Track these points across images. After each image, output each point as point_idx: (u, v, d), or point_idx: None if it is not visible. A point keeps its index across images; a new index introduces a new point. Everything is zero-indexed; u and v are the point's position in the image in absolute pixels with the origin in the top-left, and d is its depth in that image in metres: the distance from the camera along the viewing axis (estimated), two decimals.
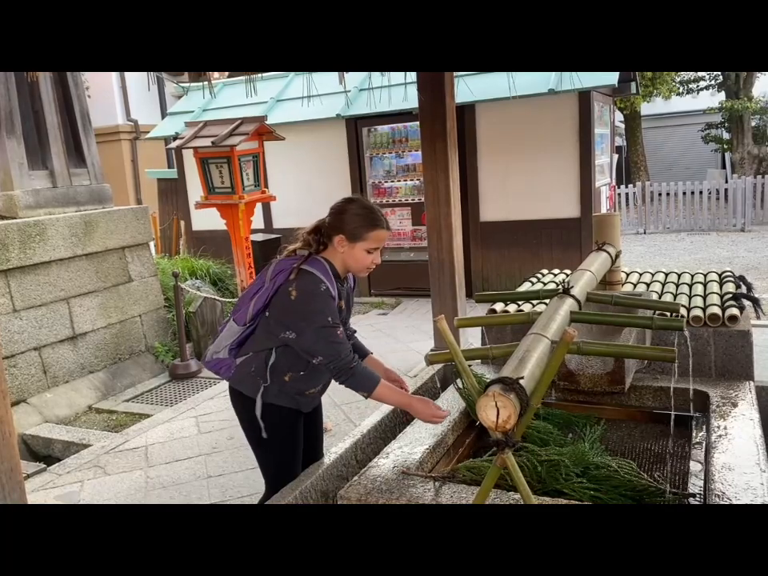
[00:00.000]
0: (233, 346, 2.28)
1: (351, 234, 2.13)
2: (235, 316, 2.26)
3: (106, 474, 3.68)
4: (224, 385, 5.02)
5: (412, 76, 4.47)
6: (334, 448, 2.38)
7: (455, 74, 5.12)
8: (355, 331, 2.49)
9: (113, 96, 12.28)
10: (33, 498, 3.35)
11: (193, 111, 8.43)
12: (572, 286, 2.04)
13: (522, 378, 1.38)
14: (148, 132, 9.61)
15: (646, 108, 17.71)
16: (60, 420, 4.67)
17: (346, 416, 4.11)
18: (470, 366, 2.21)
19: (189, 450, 3.92)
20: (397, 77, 5.39)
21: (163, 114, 11.60)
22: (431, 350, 4.31)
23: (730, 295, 2.83)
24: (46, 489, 3.56)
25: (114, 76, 12.19)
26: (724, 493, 1.71)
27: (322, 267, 2.14)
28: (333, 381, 2.24)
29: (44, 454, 4.32)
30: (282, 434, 2.28)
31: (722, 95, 16.69)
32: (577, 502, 1.75)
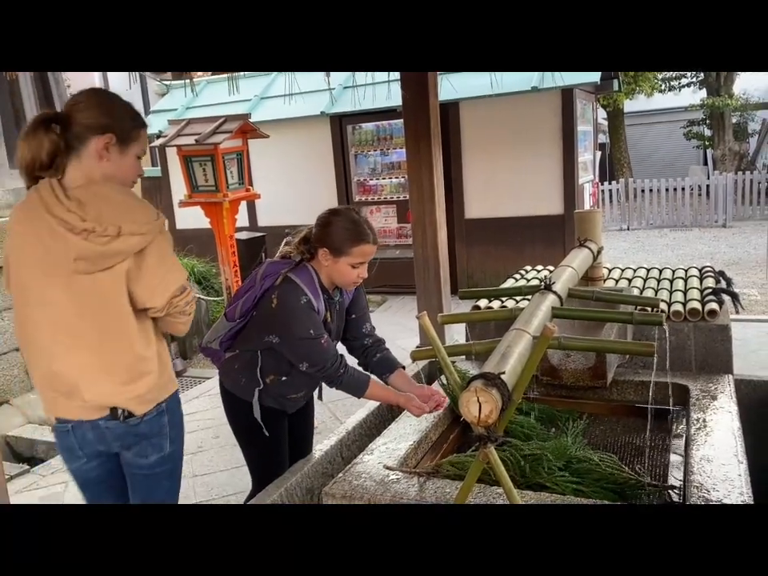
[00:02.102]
0: (224, 339, 2.28)
1: (335, 248, 2.08)
2: (227, 310, 2.27)
3: None
4: (208, 384, 5.02)
5: (396, 74, 4.48)
6: (319, 445, 2.39)
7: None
8: (383, 341, 2.44)
9: None
10: (16, 500, 3.32)
11: (176, 109, 8.39)
12: (553, 282, 2.06)
13: (504, 373, 1.40)
14: None
15: (628, 105, 17.84)
16: (43, 421, 4.61)
17: (332, 413, 4.12)
18: (454, 362, 2.22)
19: None
20: (381, 74, 5.40)
21: (146, 112, 11.49)
22: (416, 347, 4.32)
23: (710, 290, 2.87)
24: (30, 490, 3.54)
25: (96, 74, 12.04)
26: (702, 484, 1.74)
27: (308, 277, 2.11)
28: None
29: (27, 455, 4.28)
30: (269, 433, 2.29)
31: (704, 92, 16.88)
32: (559, 495, 1.78)
